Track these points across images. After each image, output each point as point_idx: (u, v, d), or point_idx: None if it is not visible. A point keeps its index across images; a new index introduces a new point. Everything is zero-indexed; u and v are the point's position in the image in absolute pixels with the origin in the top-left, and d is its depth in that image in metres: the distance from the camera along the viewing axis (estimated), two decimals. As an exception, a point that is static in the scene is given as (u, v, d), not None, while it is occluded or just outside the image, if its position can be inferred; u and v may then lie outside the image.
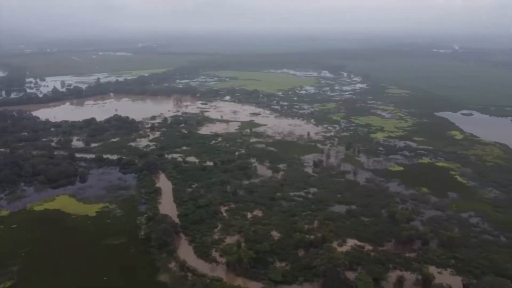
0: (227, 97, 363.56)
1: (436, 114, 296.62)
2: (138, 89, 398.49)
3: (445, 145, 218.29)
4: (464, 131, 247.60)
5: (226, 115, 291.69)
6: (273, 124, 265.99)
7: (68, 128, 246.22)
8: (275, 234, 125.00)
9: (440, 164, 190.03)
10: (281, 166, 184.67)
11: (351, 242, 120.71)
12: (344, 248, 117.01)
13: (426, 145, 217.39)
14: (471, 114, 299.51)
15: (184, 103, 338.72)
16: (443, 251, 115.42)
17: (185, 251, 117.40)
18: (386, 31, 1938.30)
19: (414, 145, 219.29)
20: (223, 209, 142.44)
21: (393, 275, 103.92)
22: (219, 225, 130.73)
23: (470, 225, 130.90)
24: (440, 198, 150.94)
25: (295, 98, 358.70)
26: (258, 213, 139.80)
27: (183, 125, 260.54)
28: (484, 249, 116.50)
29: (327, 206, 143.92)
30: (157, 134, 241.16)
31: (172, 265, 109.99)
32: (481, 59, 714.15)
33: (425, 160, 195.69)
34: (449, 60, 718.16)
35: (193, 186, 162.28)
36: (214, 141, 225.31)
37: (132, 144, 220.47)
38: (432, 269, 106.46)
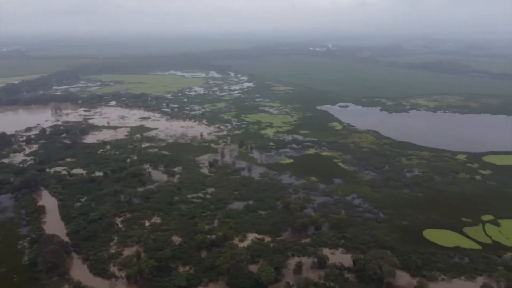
0: (113, 102, 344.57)
1: (318, 108, 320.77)
2: (7, 98, 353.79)
3: (327, 135, 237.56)
4: (343, 122, 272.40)
5: (113, 121, 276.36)
6: (165, 127, 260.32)
7: None
8: (176, 239, 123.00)
9: (324, 153, 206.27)
10: (176, 169, 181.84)
11: (251, 236, 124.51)
12: (245, 243, 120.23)
13: (311, 137, 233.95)
14: (347, 106, 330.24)
15: (65, 111, 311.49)
16: (333, 233, 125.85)
17: (80, 271, 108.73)
18: (267, 31, 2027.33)
19: (300, 138, 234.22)
20: (118, 220, 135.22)
21: (292, 262, 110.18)
22: (115, 238, 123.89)
23: (354, 206, 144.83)
24: (327, 185, 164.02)
25: (185, 100, 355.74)
26: (156, 219, 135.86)
27: (65, 135, 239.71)
28: (367, 226, 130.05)
29: (225, 204, 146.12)
30: (35, 147, 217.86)
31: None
32: (351, 56, 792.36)
33: (312, 151, 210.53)
34: (324, 57, 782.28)
35: (82, 200, 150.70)
36: (102, 150, 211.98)
37: (5, 160, 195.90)
38: (326, 251, 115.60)
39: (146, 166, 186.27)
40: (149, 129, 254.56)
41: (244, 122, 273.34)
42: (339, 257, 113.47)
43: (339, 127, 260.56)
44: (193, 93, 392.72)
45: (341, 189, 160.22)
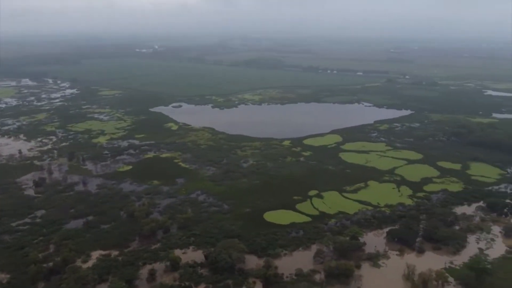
0: None
1: (151, 110, 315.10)
2: None
3: (164, 137, 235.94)
4: (178, 122, 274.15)
5: None
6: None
7: None
8: (3, 276, 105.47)
9: (164, 155, 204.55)
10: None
11: (96, 254, 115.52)
12: (90, 263, 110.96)
13: (148, 141, 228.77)
14: (180, 106, 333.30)
15: None
16: (182, 232, 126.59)
17: None
18: (84, 32, 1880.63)
19: (137, 142, 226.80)
20: None
21: (144, 271, 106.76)
22: None
23: (199, 203, 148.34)
24: (171, 186, 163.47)
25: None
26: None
27: None
28: (214, 220, 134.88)
29: (61, 226, 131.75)
30: None
31: None
32: (178, 56, 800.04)
33: (150, 154, 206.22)
34: (151, 58, 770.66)
35: None
36: None
37: None
38: (177, 252, 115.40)
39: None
40: None
41: (71, 132, 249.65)
42: (191, 255, 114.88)
43: (175, 127, 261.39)
44: (3, 106, 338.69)
45: (185, 188, 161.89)
